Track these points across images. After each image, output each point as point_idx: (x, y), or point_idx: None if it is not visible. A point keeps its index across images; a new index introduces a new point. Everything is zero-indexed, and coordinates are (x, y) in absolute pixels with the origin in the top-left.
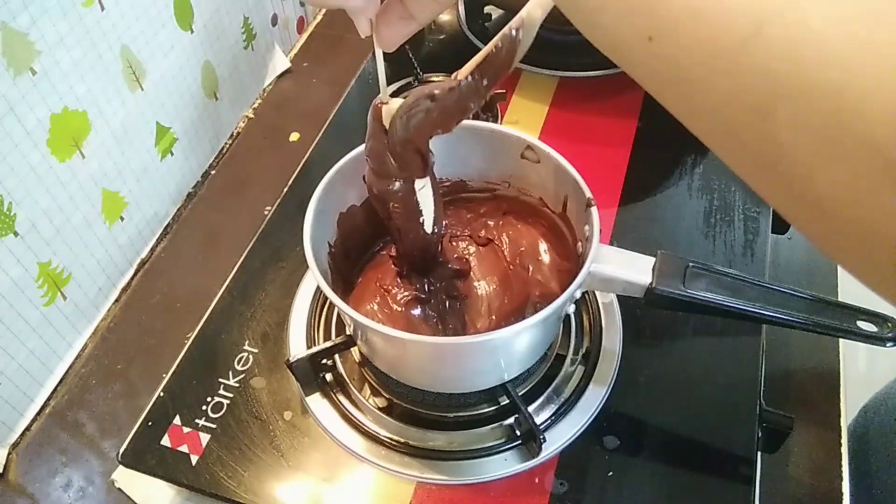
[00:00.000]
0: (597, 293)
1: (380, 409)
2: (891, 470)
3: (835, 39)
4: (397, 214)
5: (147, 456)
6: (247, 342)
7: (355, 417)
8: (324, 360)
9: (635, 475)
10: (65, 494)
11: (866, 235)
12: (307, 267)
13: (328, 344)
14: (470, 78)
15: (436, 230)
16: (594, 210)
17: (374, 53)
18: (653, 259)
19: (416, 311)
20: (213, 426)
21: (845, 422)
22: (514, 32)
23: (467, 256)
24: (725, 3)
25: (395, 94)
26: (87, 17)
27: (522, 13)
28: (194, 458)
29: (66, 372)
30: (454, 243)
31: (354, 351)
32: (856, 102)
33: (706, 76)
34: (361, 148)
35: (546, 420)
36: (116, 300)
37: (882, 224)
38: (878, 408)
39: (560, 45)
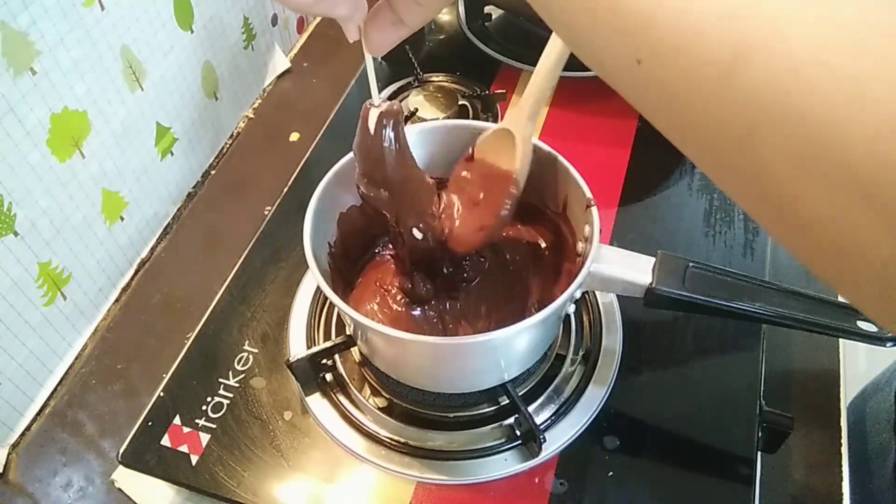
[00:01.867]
0: (597, 293)
1: (380, 409)
2: (886, 456)
3: (816, 70)
4: (387, 218)
5: (147, 456)
6: (247, 342)
7: (355, 417)
8: (324, 360)
9: (635, 475)
10: (65, 494)
11: (847, 255)
12: (307, 267)
13: (328, 344)
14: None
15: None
16: (594, 210)
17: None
18: (653, 259)
19: (416, 312)
20: (213, 426)
21: (845, 422)
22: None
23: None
24: (709, 31)
25: (394, 95)
26: (87, 17)
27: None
28: (194, 458)
29: (66, 372)
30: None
31: (354, 351)
32: (835, 130)
33: (693, 101)
34: None
35: (546, 420)
36: (116, 300)
37: (861, 245)
38: (874, 391)
39: None
